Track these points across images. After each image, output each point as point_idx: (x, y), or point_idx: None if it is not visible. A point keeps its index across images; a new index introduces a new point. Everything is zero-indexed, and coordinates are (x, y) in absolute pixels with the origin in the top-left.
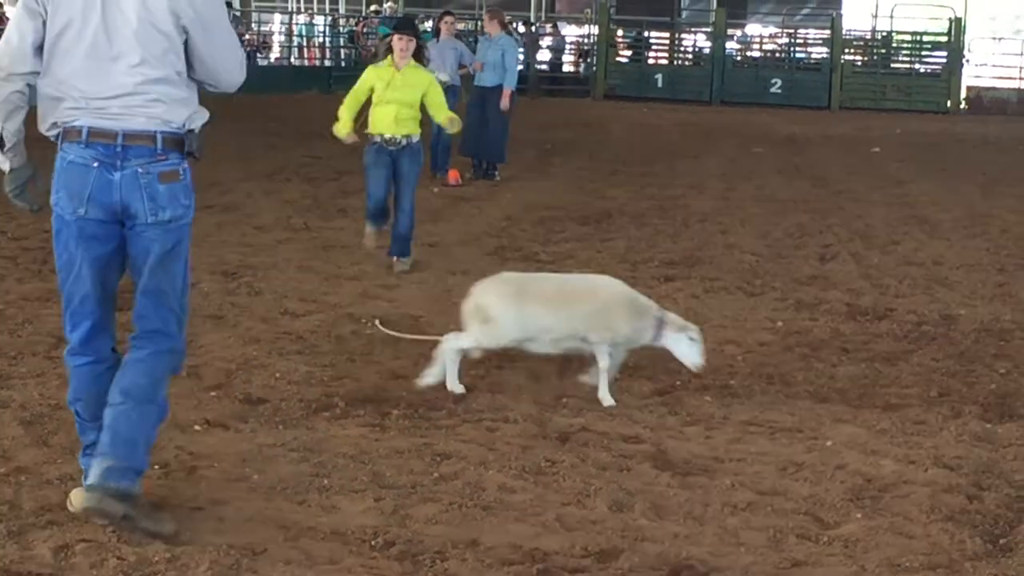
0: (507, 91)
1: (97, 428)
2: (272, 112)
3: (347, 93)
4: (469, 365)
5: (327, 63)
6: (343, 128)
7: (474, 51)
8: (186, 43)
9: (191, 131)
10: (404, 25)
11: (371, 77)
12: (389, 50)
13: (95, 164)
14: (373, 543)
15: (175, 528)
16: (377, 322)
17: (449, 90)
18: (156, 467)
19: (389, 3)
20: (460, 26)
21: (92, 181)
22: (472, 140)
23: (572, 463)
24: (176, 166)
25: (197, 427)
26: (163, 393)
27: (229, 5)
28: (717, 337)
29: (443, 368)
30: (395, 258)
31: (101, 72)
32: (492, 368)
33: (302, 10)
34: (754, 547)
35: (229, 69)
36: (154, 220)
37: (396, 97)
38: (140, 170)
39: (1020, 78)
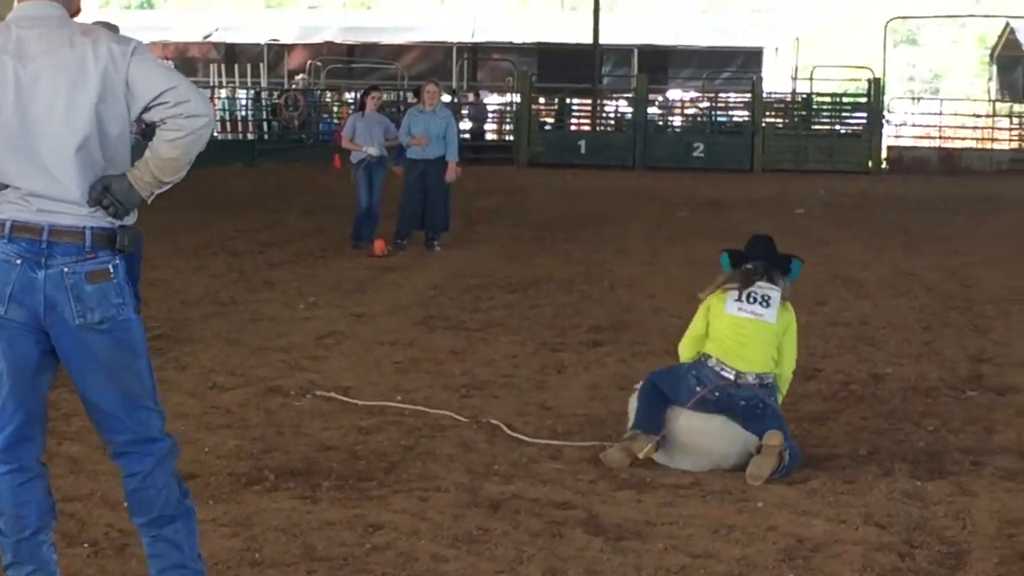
0: (453, 163)
1: (20, 544)
2: (196, 186)
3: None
4: (399, 435)
5: (250, 136)
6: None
7: (395, 123)
8: None
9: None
10: None
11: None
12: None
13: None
14: None
15: None
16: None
17: (378, 163)
18: (85, 545)
19: (301, 75)
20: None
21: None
22: (414, 213)
23: (504, 531)
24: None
25: (126, 504)
26: (176, 492)
27: None
28: None
29: None
30: None
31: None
32: (421, 438)
33: (224, 84)
34: None
35: None
36: (83, 322)
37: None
38: (66, 269)
39: (939, 137)
